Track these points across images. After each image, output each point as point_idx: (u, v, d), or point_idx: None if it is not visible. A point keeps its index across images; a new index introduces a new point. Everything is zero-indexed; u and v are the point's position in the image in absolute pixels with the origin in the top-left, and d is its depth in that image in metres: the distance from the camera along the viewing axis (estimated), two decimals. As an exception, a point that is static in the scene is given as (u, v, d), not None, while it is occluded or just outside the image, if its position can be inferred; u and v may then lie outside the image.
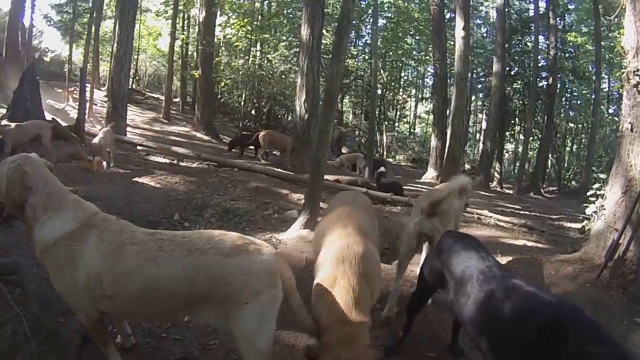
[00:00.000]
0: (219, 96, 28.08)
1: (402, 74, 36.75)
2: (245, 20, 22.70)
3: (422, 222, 4.75)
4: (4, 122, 10.11)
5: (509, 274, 3.18)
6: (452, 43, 21.02)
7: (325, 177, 9.26)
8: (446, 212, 4.91)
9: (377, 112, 26.12)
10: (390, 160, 28.21)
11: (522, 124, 27.66)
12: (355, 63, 28.52)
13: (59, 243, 3.08)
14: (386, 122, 30.97)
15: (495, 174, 24.54)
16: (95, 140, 10.57)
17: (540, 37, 24.99)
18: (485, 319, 3.07)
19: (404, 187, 12.48)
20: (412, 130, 38.44)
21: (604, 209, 6.30)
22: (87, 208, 3.28)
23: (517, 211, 13.47)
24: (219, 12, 23.55)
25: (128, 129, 16.43)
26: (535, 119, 25.80)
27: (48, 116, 12.47)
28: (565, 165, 28.43)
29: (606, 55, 23.35)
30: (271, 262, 3.02)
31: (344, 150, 20.23)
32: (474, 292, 3.19)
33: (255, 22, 24.10)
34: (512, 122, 28.87)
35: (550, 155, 26.87)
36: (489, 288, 3.09)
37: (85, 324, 3.29)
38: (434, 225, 4.68)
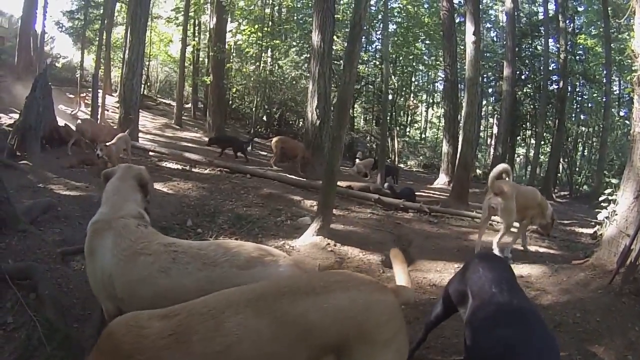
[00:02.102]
0: (231, 102, 28.11)
1: (413, 79, 36.64)
2: (256, 26, 22.77)
3: (490, 199, 7.49)
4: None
5: (511, 306, 3.04)
6: (462, 48, 20.97)
7: (338, 183, 9.26)
8: (504, 194, 7.32)
9: (388, 118, 26.08)
10: (402, 165, 28.14)
11: (533, 128, 27.62)
12: (366, 69, 28.53)
13: (88, 231, 3.45)
14: (397, 128, 30.91)
15: (507, 179, 24.43)
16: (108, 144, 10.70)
17: (550, 41, 25.01)
18: (467, 336, 3.14)
19: (416, 193, 12.52)
20: (423, 136, 38.32)
21: (616, 214, 6.25)
22: (114, 210, 3.50)
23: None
24: (229, 19, 23.63)
25: (140, 134, 16.50)
26: (546, 123, 25.69)
27: (60, 122, 12.57)
28: (577, 169, 28.22)
29: (616, 58, 23.20)
30: (288, 273, 3.02)
31: (358, 156, 20.13)
32: (472, 308, 3.24)
33: (266, 28, 24.18)
34: (523, 126, 28.85)
35: (561, 160, 26.69)
36: (480, 311, 3.12)
37: (105, 313, 3.41)
38: (497, 201, 7.33)
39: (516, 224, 8.05)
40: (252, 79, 23.49)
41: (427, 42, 32.01)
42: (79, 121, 11.09)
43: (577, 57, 26.67)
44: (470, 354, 3.09)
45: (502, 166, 7.76)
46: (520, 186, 8.45)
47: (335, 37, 17.56)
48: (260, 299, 2.39)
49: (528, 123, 28.55)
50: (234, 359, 2.25)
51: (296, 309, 2.38)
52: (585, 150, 30.90)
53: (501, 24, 31.37)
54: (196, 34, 30.15)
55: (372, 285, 2.64)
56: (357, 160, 19.36)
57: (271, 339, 2.32)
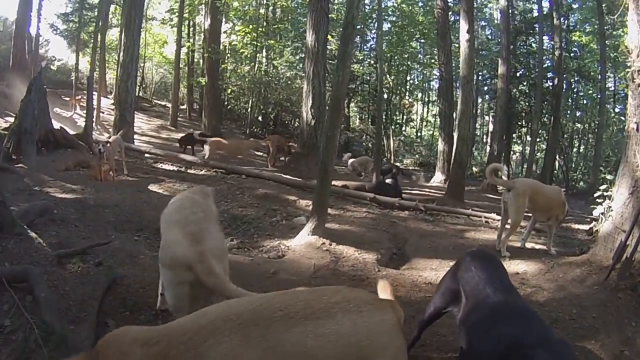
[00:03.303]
0: (226, 103, 28.09)
1: (408, 78, 36.55)
2: (251, 26, 22.76)
3: (504, 194, 7.93)
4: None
5: (507, 305, 3.04)
6: (457, 46, 20.96)
7: (333, 182, 9.26)
8: (514, 191, 7.51)
9: (383, 117, 26.04)
10: (398, 164, 28.12)
11: (529, 126, 27.53)
12: (361, 68, 28.51)
13: None
14: (393, 126, 30.88)
15: (503, 177, 24.44)
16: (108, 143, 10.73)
17: (545, 38, 24.98)
18: (462, 337, 3.13)
19: (412, 192, 12.51)
20: (419, 134, 38.25)
21: (612, 210, 6.23)
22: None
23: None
24: (224, 19, 23.65)
25: (135, 136, 16.49)
26: (542, 120, 25.61)
27: (56, 124, 12.53)
28: (573, 166, 28.20)
29: (611, 54, 23.19)
30: (185, 253, 3.31)
31: (345, 156, 20.00)
32: (466, 308, 3.23)
33: (261, 29, 24.16)
34: (519, 123, 28.76)
35: (557, 156, 26.61)
36: (475, 312, 3.10)
37: None
38: (508, 196, 7.61)
39: (523, 223, 8.33)
40: (247, 79, 23.47)
41: (422, 40, 31.99)
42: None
43: (572, 54, 26.60)
44: (466, 354, 3.06)
45: (492, 166, 8.24)
46: (544, 186, 8.35)
47: (329, 37, 17.56)
48: (250, 324, 2.14)
49: (523, 120, 28.44)
50: None
51: (292, 336, 2.16)
52: (581, 147, 30.89)
53: (496, 21, 31.39)
54: (191, 35, 30.17)
55: (373, 304, 2.48)
56: (348, 158, 19.30)
57: None
